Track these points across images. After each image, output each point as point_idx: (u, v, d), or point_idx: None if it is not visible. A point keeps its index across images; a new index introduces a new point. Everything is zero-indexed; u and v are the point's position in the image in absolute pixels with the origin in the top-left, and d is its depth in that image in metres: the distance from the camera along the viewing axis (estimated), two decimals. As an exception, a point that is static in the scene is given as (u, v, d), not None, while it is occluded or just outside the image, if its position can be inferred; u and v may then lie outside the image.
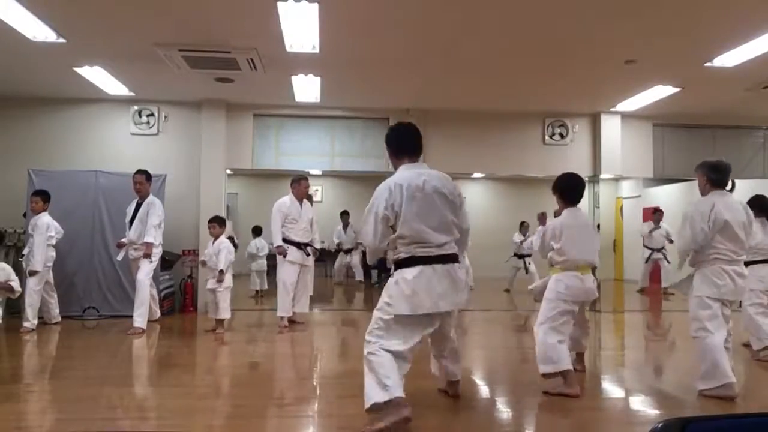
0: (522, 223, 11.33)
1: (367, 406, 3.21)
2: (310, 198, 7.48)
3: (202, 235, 7.89)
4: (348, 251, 12.41)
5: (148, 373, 4.81)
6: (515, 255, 11.26)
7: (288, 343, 6.39)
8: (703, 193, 4.25)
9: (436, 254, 3.36)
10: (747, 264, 4.37)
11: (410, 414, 3.17)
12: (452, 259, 3.43)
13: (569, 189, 4.38)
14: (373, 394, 3.19)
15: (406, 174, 3.43)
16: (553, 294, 4.20)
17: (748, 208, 4.34)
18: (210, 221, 6.68)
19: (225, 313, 6.42)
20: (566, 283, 4.17)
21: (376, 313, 3.38)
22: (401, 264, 3.37)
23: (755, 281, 5.16)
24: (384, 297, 3.38)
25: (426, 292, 3.29)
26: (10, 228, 7.36)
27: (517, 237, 11.24)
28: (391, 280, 3.41)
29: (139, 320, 6.28)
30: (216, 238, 6.56)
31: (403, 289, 3.29)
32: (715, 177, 4.20)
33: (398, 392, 3.17)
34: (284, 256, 6.72)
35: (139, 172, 6.70)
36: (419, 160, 3.56)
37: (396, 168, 3.55)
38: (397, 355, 3.25)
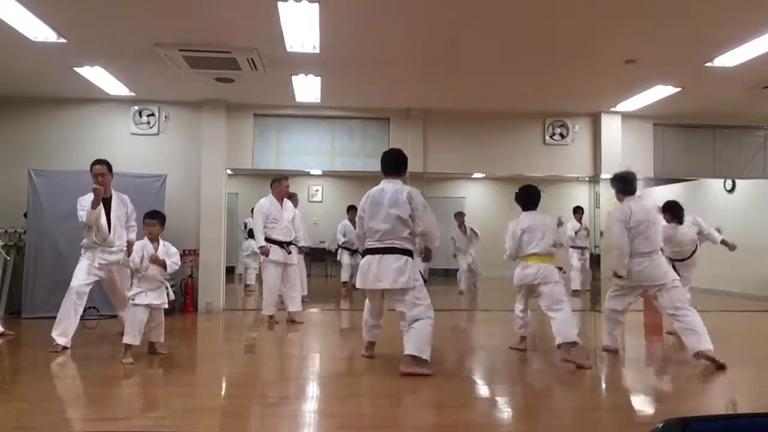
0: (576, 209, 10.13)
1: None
2: (292, 197, 7.65)
3: (202, 235, 7.93)
4: (355, 252, 11.99)
5: (148, 373, 4.81)
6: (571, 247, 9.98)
7: (288, 342, 6.40)
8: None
9: (376, 247, 4.57)
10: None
11: (370, 353, 5.05)
12: (389, 251, 4.51)
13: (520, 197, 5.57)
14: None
15: (378, 187, 4.68)
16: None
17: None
18: (149, 216, 5.07)
19: (161, 338, 5.21)
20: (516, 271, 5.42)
21: None
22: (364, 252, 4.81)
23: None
24: None
25: (364, 274, 4.63)
26: (10, 228, 7.36)
27: (571, 228, 10.05)
28: None
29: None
30: (155, 238, 5.02)
31: (359, 271, 4.78)
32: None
33: (368, 338, 5.07)
34: (266, 256, 6.89)
35: (100, 162, 5.44)
36: (397, 178, 4.70)
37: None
38: (369, 311, 4.94)
